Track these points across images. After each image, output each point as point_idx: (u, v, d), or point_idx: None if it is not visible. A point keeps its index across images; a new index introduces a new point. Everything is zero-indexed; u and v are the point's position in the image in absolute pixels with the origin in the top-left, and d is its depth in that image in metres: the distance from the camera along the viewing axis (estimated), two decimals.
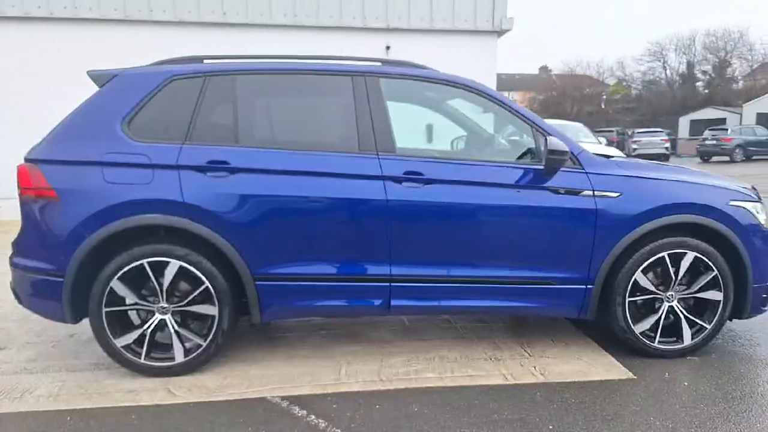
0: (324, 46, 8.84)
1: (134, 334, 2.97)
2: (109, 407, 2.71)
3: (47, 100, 7.43)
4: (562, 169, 3.09)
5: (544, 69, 56.93)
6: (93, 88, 3.14)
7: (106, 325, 2.93)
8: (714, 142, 22.68)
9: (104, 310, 2.92)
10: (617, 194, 3.11)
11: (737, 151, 21.94)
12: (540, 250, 3.13)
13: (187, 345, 3.01)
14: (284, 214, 2.99)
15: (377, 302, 3.09)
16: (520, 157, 3.31)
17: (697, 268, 3.20)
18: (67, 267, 2.88)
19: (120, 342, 2.96)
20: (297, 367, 3.16)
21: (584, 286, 3.16)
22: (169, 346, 3.01)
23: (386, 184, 3.00)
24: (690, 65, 46.67)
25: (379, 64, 3.29)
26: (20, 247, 3.02)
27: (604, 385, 2.93)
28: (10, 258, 3.08)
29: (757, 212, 3.26)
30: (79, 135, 3.00)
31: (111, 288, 2.91)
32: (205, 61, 3.22)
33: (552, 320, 3.87)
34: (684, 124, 37.47)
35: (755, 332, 3.67)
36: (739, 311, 3.28)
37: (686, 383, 2.96)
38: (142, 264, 2.90)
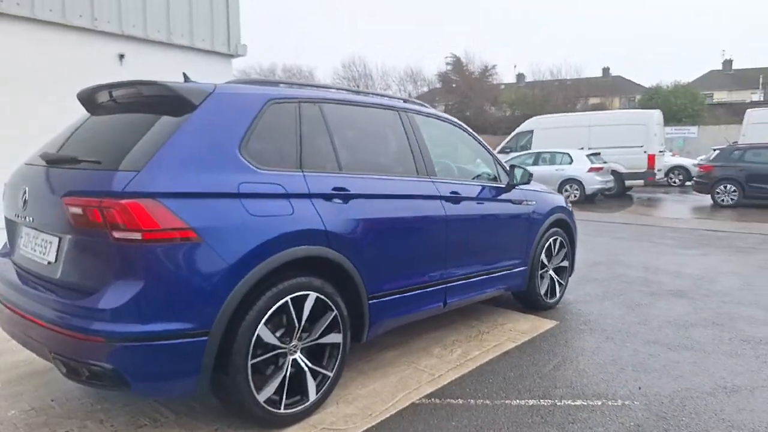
0: (47, 45, 7.24)
1: (275, 383, 2.67)
2: None
3: None
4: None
5: None
6: None
7: (251, 380, 2.55)
8: None
9: (250, 362, 2.54)
10: (535, 202, 4.60)
11: None
12: (510, 244, 4.33)
13: (317, 380, 2.89)
14: (390, 233, 3.24)
15: (439, 303, 3.66)
16: (473, 178, 4.39)
17: (558, 245, 5.00)
18: (213, 321, 2.39)
19: (262, 396, 2.61)
20: (386, 377, 3.38)
21: (525, 268, 4.52)
22: (294, 388, 2.81)
23: (443, 203, 3.63)
24: None
25: (403, 101, 3.82)
26: (132, 309, 2.23)
27: (556, 329, 4.37)
28: (103, 330, 2.22)
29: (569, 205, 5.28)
30: (195, 161, 2.47)
31: (258, 335, 2.56)
32: (280, 85, 3.07)
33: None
34: None
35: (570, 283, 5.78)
36: (571, 271, 5.27)
37: (583, 317, 4.70)
38: (285, 302, 2.67)
